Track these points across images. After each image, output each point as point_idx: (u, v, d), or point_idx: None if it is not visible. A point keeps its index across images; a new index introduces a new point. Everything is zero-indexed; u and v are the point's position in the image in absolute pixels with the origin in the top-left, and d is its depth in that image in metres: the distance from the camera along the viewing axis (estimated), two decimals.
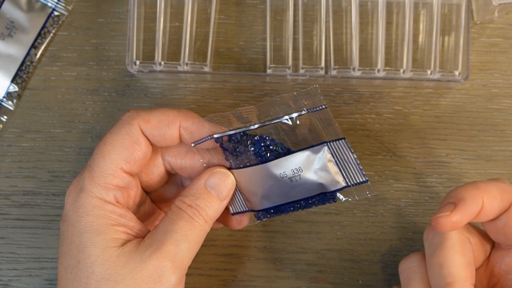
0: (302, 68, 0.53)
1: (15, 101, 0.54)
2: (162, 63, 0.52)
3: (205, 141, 0.44)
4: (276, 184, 0.44)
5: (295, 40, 0.54)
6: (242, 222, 0.46)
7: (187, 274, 0.44)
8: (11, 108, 0.54)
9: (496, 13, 0.54)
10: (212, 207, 0.44)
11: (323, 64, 0.53)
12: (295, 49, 0.53)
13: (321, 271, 0.53)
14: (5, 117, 0.54)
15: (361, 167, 0.43)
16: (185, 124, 0.44)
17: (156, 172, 0.47)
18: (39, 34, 0.54)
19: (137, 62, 0.53)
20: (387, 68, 0.53)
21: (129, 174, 0.44)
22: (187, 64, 0.52)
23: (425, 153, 0.54)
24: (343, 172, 0.43)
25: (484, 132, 0.54)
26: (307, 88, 0.43)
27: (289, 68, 0.53)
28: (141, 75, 0.54)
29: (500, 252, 0.46)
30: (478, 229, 0.46)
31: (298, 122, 0.44)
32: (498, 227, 0.44)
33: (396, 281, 0.52)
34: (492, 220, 0.44)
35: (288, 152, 0.44)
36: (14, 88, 0.54)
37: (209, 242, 0.53)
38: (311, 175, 0.43)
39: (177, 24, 0.54)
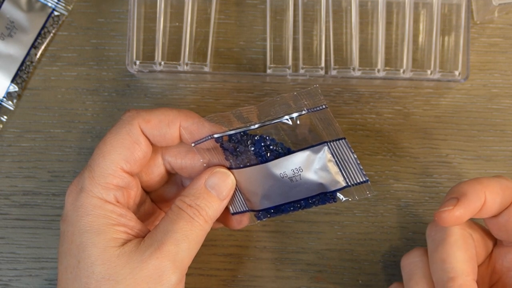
0: (302, 68, 0.53)
1: (15, 101, 0.54)
2: (162, 63, 0.52)
3: (205, 141, 0.44)
4: (276, 184, 0.44)
5: (295, 40, 0.54)
6: (242, 222, 0.46)
7: (187, 274, 0.44)
8: (11, 108, 0.54)
9: (496, 13, 0.54)
10: (212, 207, 0.44)
11: (323, 64, 0.53)
12: (295, 49, 0.53)
13: (321, 271, 0.53)
14: (5, 117, 0.54)
15: (361, 167, 0.43)
16: (185, 124, 0.44)
17: (156, 172, 0.47)
18: (39, 34, 0.54)
19: (137, 62, 0.53)
20: (387, 68, 0.53)
21: (129, 174, 0.44)
22: (187, 64, 0.52)
23: (425, 153, 0.54)
24: (343, 172, 0.43)
25: (484, 132, 0.54)
26: (307, 88, 0.43)
27: (289, 68, 0.53)
28: (141, 75, 0.54)
29: (502, 249, 0.46)
30: (481, 226, 0.46)
31: (298, 122, 0.44)
32: (500, 224, 0.44)
33: (396, 281, 0.52)
34: (494, 216, 0.44)
35: (288, 152, 0.44)
36: (14, 88, 0.54)
37: (209, 242, 0.53)
38: (311, 175, 0.43)
39: (177, 24, 0.54)
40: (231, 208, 0.46)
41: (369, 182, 0.43)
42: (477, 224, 0.46)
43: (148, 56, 0.53)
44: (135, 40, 0.53)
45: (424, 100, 0.54)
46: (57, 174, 0.54)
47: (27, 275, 0.53)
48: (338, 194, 0.44)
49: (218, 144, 0.44)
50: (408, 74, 0.52)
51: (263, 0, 0.54)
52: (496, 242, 0.47)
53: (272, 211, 0.45)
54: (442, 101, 0.54)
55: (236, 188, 0.45)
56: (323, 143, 0.43)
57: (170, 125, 0.44)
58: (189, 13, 0.53)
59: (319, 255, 0.53)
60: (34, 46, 0.54)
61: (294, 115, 0.44)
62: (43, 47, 0.54)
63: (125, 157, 0.43)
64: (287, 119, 0.44)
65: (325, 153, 0.43)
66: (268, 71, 0.53)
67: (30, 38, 0.54)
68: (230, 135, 0.44)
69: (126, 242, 0.42)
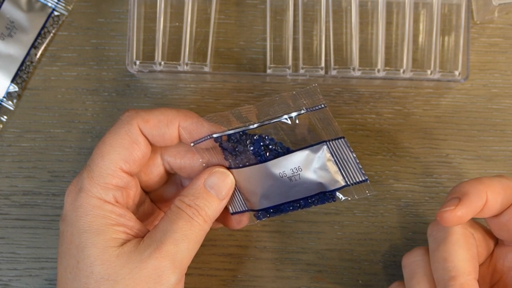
0: (302, 68, 0.53)
1: (15, 101, 0.54)
2: (162, 63, 0.52)
3: (204, 140, 0.44)
4: (276, 183, 0.44)
5: (295, 40, 0.53)
6: (241, 222, 0.46)
7: (187, 274, 0.44)
8: (11, 108, 0.54)
9: (496, 13, 0.54)
10: (212, 207, 0.44)
11: (323, 64, 0.53)
12: (295, 49, 0.53)
13: (321, 271, 0.53)
14: (5, 117, 0.54)
15: (361, 166, 0.43)
16: (184, 124, 0.44)
17: (155, 172, 0.47)
18: (39, 34, 0.54)
19: (137, 62, 0.53)
20: (387, 68, 0.53)
21: (128, 174, 0.44)
22: (187, 64, 0.52)
23: (425, 153, 0.54)
24: (342, 172, 0.43)
25: (484, 132, 0.54)
26: (306, 87, 0.43)
27: (289, 68, 0.53)
28: (141, 75, 0.54)
29: (504, 248, 0.46)
30: (482, 225, 0.46)
31: (297, 121, 0.44)
32: (501, 223, 0.44)
33: (396, 281, 0.52)
34: (496, 216, 0.44)
35: (288, 151, 0.44)
36: (14, 88, 0.54)
37: (209, 242, 0.53)
38: (311, 174, 0.43)
39: (177, 24, 0.54)
40: (230, 208, 0.46)
41: (368, 181, 0.43)
42: (479, 223, 0.46)
43: (148, 56, 0.53)
44: (135, 40, 0.53)
45: (424, 100, 0.54)
46: (57, 174, 0.54)
47: (27, 275, 0.53)
48: (337, 193, 0.44)
49: (217, 144, 0.44)
50: (408, 74, 0.52)
51: (263, 0, 0.54)
52: (497, 241, 0.47)
53: (271, 210, 0.45)
54: (442, 101, 0.54)
55: (235, 188, 0.45)
56: (322, 142, 0.43)
57: (169, 125, 0.44)
58: (189, 13, 0.53)
59: (319, 255, 0.53)
60: (34, 46, 0.54)
61: (293, 114, 0.44)
62: (43, 47, 0.54)
63: (124, 157, 0.43)
64: (286, 119, 0.44)
65: (324, 153, 0.43)
66: (268, 71, 0.53)
67: (30, 38, 0.54)
68: (229, 135, 0.44)
69: (125, 242, 0.42)
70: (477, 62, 0.54)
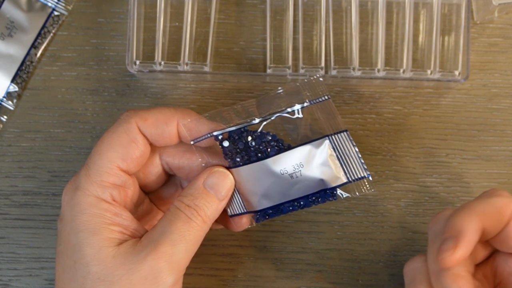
0: (302, 68, 0.53)
1: (15, 101, 0.54)
2: (162, 63, 0.52)
3: (204, 138, 0.44)
4: (276, 181, 0.43)
5: (295, 40, 0.53)
6: (241, 225, 0.46)
7: (187, 274, 0.44)
8: (11, 108, 0.54)
9: (496, 13, 0.54)
10: (211, 207, 0.43)
11: (323, 64, 0.53)
12: (295, 49, 0.53)
13: (321, 271, 0.53)
14: (5, 117, 0.54)
15: (363, 161, 0.43)
16: (184, 121, 0.44)
17: (153, 172, 0.47)
18: (39, 34, 0.54)
19: (137, 62, 0.53)
20: (387, 68, 0.53)
21: (126, 173, 0.44)
22: (187, 64, 0.52)
23: (425, 153, 0.54)
24: (344, 167, 0.43)
25: (484, 132, 0.54)
26: (309, 78, 0.43)
27: (289, 68, 0.53)
28: (141, 75, 0.54)
29: (504, 254, 0.45)
30: None
31: (300, 115, 0.43)
32: (500, 240, 0.43)
33: (396, 281, 0.52)
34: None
35: (289, 147, 0.43)
36: (14, 88, 0.54)
37: (209, 242, 0.53)
38: (312, 170, 0.43)
39: (177, 24, 0.54)
40: (228, 210, 0.46)
41: (370, 177, 0.43)
42: None
43: (148, 56, 0.53)
44: (135, 40, 0.53)
45: (424, 100, 0.54)
46: (57, 174, 0.54)
47: (27, 275, 0.53)
48: (338, 190, 0.43)
49: (217, 142, 0.44)
50: (408, 74, 0.52)
51: (263, 0, 0.54)
52: None
53: (271, 211, 0.45)
54: (442, 101, 0.54)
55: (234, 190, 0.45)
56: (324, 136, 0.43)
57: (168, 123, 0.44)
58: (189, 13, 0.53)
59: (319, 255, 0.53)
60: (34, 46, 0.54)
61: (296, 107, 0.43)
62: (43, 47, 0.54)
63: (122, 155, 0.43)
64: (288, 112, 0.43)
65: (326, 148, 0.43)
66: (268, 71, 0.53)
67: (30, 38, 0.54)
68: (230, 132, 0.44)
69: (121, 242, 0.42)
70: (477, 62, 0.54)
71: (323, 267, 0.53)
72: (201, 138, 0.44)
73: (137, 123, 0.44)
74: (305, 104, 0.43)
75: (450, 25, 0.53)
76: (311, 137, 0.43)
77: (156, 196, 0.49)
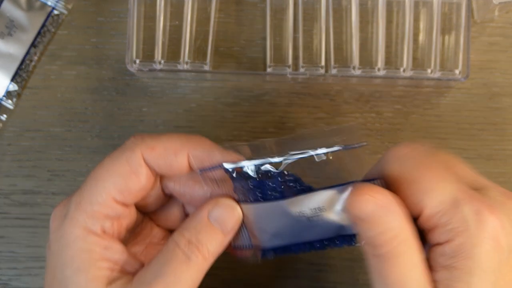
0: (302, 67, 0.53)
1: (14, 100, 0.54)
2: (162, 62, 0.52)
3: (214, 169, 0.40)
4: (291, 222, 0.39)
5: (295, 39, 0.53)
6: (243, 256, 0.42)
7: None
8: (11, 107, 0.54)
9: (497, 12, 0.53)
10: (215, 242, 0.39)
11: (323, 63, 0.53)
12: (295, 48, 0.53)
13: (321, 270, 0.53)
14: (5, 116, 0.54)
15: None
16: (195, 153, 0.40)
17: (153, 194, 0.42)
18: (39, 33, 0.54)
19: (137, 61, 0.53)
20: (387, 67, 0.52)
21: (122, 205, 0.40)
22: (187, 63, 0.52)
23: None
24: None
25: (485, 131, 0.54)
26: (345, 124, 0.39)
27: (289, 67, 0.53)
28: (141, 74, 0.54)
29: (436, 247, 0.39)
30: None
31: (325, 158, 0.38)
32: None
33: None
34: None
35: (309, 189, 0.39)
36: (14, 87, 0.54)
37: None
38: (333, 215, 0.39)
39: (177, 23, 0.54)
40: (232, 241, 0.41)
41: None
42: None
43: (148, 55, 0.53)
44: (135, 39, 0.53)
45: (424, 99, 0.54)
46: (57, 173, 0.54)
47: (26, 274, 0.53)
48: (358, 237, 0.39)
49: (228, 175, 0.39)
50: (409, 73, 0.52)
51: None
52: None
53: (280, 250, 0.41)
54: (443, 100, 0.54)
55: (242, 223, 0.40)
56: (350, 183, 0.38)
57: (177, 154, 0.40)
58: (189, 12, 0.53)
59: (319, 254, 0.53)
60: (34, 45, 0.54)
61: (323, 151, 0.38)
62: (43, 46, 0.54)
63: (119, 187, 0.39)
64: (314, 155, 0.38)
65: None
66: (268, 70, 0.53)
67: (30, 37, 0.54)
68: (244, 166, 0.39)
69: (110, 281, 0.38)
70: (478, 61, 0.54)
71: (323, 267, 0.53)
72: (210, 169, 0.40)
73: (142, 152, 0.39)
74: (335, 148, 0.38)
75: (450, 24, 0.53)
76: (335, 182, 0.38)
77: (155, 213, 0.45)
